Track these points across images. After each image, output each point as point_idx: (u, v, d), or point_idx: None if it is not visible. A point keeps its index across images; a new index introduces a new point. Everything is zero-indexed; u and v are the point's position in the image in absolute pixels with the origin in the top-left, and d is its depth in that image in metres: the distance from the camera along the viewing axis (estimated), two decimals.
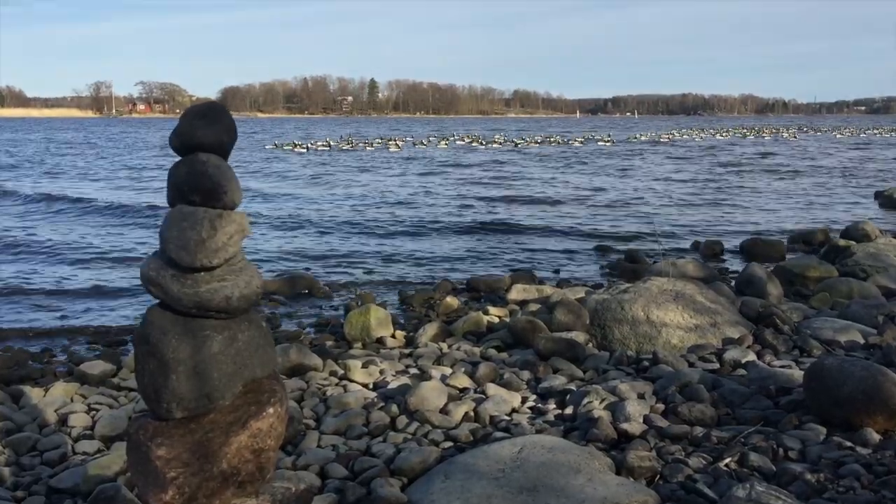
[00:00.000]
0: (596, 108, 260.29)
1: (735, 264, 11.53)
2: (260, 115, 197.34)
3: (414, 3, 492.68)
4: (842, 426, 4.23)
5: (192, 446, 2.44)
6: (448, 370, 5.81)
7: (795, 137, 64.55)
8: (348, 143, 51.98)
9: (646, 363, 5.74)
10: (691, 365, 5.65)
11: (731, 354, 5.76)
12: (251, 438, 2.49)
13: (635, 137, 63.08)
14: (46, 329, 8.38)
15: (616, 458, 3.95)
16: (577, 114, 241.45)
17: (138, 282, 2.62)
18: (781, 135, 69.31)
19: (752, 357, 5.75)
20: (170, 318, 2.48)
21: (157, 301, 2.49)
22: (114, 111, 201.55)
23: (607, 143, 54.67)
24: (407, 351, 6.55)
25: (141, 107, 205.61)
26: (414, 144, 53.24)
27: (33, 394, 5.52)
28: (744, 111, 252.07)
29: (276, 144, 52.19)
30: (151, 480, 2.42)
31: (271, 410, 2.54)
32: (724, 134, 71.74)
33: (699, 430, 4.35)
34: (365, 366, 5.91)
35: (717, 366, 5.65)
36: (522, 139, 59.17)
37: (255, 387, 2.58)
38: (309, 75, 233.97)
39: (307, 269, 11.52)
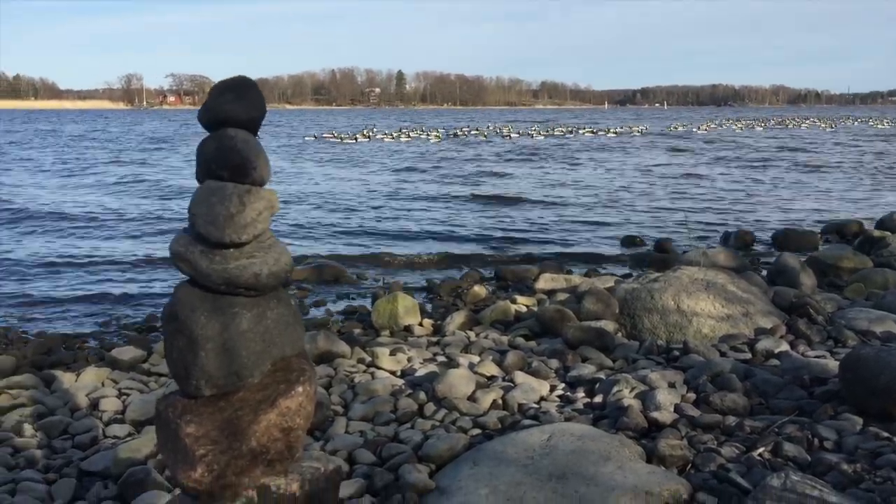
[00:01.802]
0: (624, 99, 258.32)
1: (767, 255, 11.38)
2: (288, 106, 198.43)
3: None
4: (879, 417, 4.14)
5: (220, 424, 2.42)
6: (476, 358, 5.78)
7: (833, 128, 63.42)
8: (386, 134, 52.02)
9: (676, 353, 5.66)
10: (723, 354, 5.57)
11: (764, 344, 5.67)
12: (280, 417, 2.46)
13: (670, 129, 62.52)
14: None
15: (647, 447, 3.90)
16: (606, 105, 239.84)
17: None
18: (818, 125, 68.20)
19: (785, 347, 5.66)
20: (198, 295, 2.46)
21: (186, 278, 2.48)
22: (144, 103, 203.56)
23: (640, 135, 54.43)
24: (434, 339, 6.53)
25: (171, 98, 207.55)
26: (449, 135, 53.11)
27: (65, 378, 5.58)
28: (775, 102, 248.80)
29: (314, 136, 52.39)
30: (181, 458, 2.40)
31: (300, 389, 2.51)
32: (760, 125, 70.81)
33: (731, 420, 4.28)
34: (393, 353, 5.90)
35: (749, 356, 5.56)
36: (556, 130, 59.01)
37: (285, 365, 2.55)
38: (337, 67, 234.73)
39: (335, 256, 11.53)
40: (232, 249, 2.42)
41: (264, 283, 2.42)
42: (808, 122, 74.95)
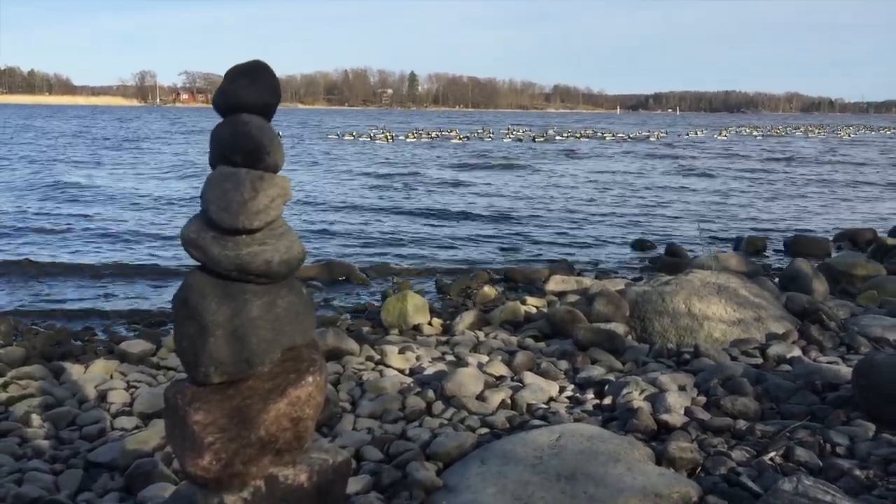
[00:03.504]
0: (637, 104, 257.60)
1: (778, 261, 11.31)
2: (301, 106, 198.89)
3: None
4: (892, 423, 4.09)
5: (229, 412, 2.41)
6: (485, 358, 5.75)
7: (850, 137, 62.71)
8: (412, 135, 52.18)
9: (686, 356, 5.62)
10: (734, 359, 5.53)
11: (776, 349, 5.63)
12: (290, 406, 2.45)
13: (687, 135, 62.37)
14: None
15: (656, 449, 3.87)
16: (618, 110, 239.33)
17: None
18: (837, 133, 67.74)
19: (797, 352, 5.61)
20: (209, 282, 2.45)
21: (198, 265, 2.47)
22: (158, 100, 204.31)
23: (657, 140, 54.58)
24: (444, 338, 6.50)
25: (184, 96, 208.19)
26: (470, 137, 53.01)
27: (74, 370, 5.58)
28: (789, 109, 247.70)
29: (337, 135, 52.59)
30: (188, 446, 2.39)
31: (310, 379, 2.49)
32: (777, 131, 70.51)
33: (742, 424, 4.24)
34: (401, 351, 5.88)
35: (760, 360, 5.52)
36: (573, 134, 59.26)
37: (295, 355, 2.55)
38: (350, 67, 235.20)
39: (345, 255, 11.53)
40: (244, 236, 2.41)
41: (276, 271, 2.40)
42: (823, 130, 74.15)
